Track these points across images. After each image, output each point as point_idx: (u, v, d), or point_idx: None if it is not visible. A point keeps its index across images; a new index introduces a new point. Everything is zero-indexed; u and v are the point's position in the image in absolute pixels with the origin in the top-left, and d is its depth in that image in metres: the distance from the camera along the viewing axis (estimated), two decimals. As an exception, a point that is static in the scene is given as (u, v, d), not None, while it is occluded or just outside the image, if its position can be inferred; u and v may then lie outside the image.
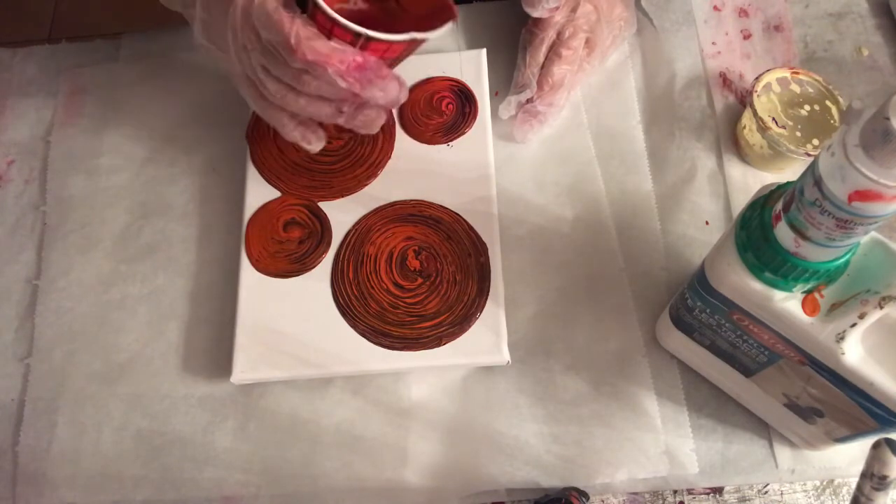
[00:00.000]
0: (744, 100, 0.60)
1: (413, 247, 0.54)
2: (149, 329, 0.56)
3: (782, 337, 0.39)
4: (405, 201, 0.56)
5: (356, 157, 0.58)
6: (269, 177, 0.57)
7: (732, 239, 0.38)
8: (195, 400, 0.53)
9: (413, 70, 0.60)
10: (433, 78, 0.60)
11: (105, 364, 0.55)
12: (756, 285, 0.37)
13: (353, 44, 0.41)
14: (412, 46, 0.44)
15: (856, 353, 0.36)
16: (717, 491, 0.50)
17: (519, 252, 0.56)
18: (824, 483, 0.50)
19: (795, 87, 0.54)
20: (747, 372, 0.46)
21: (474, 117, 0.58)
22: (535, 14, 0.56)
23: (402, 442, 0.51)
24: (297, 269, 0.54)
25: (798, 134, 0.53)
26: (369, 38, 0.40)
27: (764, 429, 0.50)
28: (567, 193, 0.57)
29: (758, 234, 0.36)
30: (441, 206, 0.55)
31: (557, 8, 0.55)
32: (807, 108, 0.54)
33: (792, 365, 0.41)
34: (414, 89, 0.60)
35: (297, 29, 0.39)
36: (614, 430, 0.50)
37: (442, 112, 0.59)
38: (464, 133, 0.58)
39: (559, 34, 0.57)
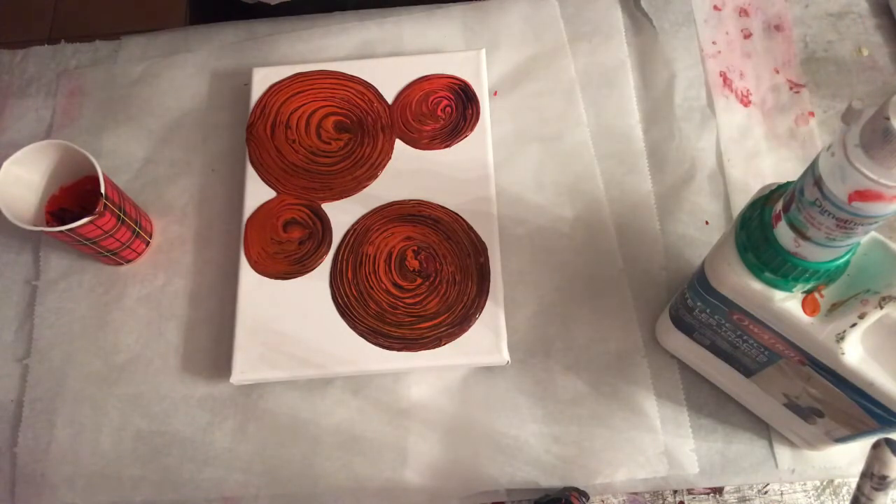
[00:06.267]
0: (745, 99, 0.60)
1: (412, 247, 0.54)
2: (148, 329, 0.56)
3: (782, 337, 0.39)
4: (404, 201, 0.56)
5: (356, 158, 0.57)
6: (268, 178, 0.57)
7: (732, 239, 0.38)
8: (195, 400, 0.53)
9: (410, 70, 0.60)
10: (430, 76, 0.60)
11: (104, 365, 0.55)
12: (756, 285, 0.37)
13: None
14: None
15: (856, 353, 0.36)
16: (717, 491, 0.50)
17: (518, 252, 0.55)
18: (824, 483, 0.50)
19: None
20: (747, 372, 0.46)
21: (477, 119, 0.58)
22: None
23: (401, 442, 0.51)
24: (296, 271, 0.54)
25: None
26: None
27: (764, 429, 0.50)
28: (567, 193, 0.57)
29: (758, 234, 0.36)
30: (440, 205, 0.55)
31: None
32: None
33: (792, 365, 0.41)
34: (408, 88, 0.59)
35: None
36: (614, 430, 0.50)
37: (437, 116, 0.58)
38: (465, 136, 0.57)
39: None
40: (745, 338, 0.42)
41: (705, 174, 0.58)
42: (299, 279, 0.54)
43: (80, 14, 1.55)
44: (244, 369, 0.51)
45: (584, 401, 0.51)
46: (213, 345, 0.55)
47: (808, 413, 0.44)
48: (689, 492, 0.50)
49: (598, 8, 0.64)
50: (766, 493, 0.50)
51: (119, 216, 0.53)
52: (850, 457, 0.49)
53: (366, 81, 0.60)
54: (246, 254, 0.54)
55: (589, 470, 0.50)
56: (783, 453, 0.49)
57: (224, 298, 0.56)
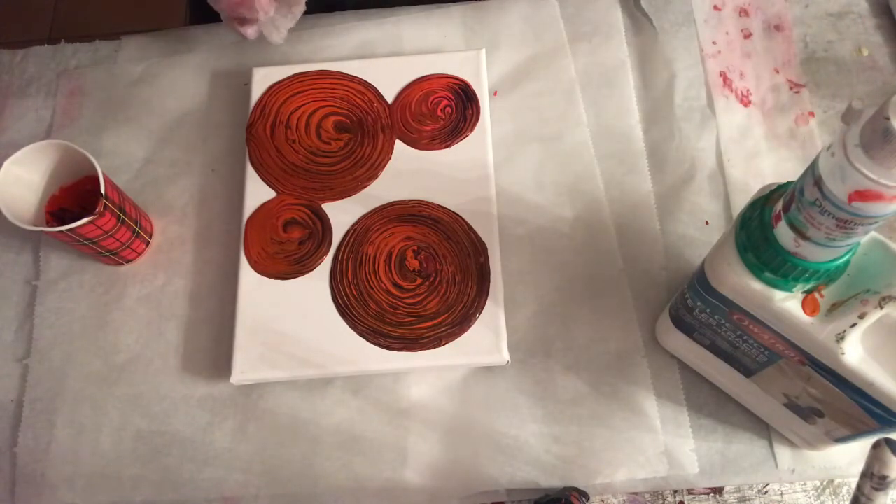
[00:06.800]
0: (744, 99, 0.60)
1: (412, 247, 0.54)
2: (148, 330, 0.56)
3: (782, 337, 0.39)
4: (404, 201, 0.56)
5: (356, 158, 0.57)
6: (268, 178, 0.57)
7: (732, 239, 0.38)
8: (195, 400, 0.53)
9: (410, 70, 0.60)
10: (430, 76, 0.60)
11: (104, 365, 0.55)
12: (756, 285, 0.37)
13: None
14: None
15: (856, 353, 0.36)
16: (717, 491, 0.50)
17: (519, 252, 0.55)
18: (824, 483, 0.50)
19: None
20: (747, 372, 0.46)
21: (477, 119, 0.58)
22: None
23: (401, 442, 0.51)
24: (296, 271, 0.54)
25: None
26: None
27: (764, 429, 0.50)
28: (567, 193, 0.57)
29: (758, 234, 0.36)
30: (440, 205, 0.55)
31: None
32: None
33: (792, 365, 0.41)
34: (408, 88, 0.59)
35: None
36: (614, 430, 0.50)
37: (437, 116, 0.58)
38: (465, 136, 0.57)
39: None
40: (745, 338, 0.42)
41: (705, 174, 0.58)
42: (299, 279, 0.54)
43: (80, 14, 1.55)
44: (244, 369, 0.51)
45: (584, 401, 0.51)
46: (213, 345, 0.55)
47: (808, 413, 0.44)
48: (689, 492, 0.50)
49: (598, 8, 0.64)
50: (766, 493, 0.50)
51: (119, 216, 0.53)
52: (850, 457, 0.49)
53: (366, 81, 0.60)
54: (246, 254, 0.54)
55: (589, 470, 0.50)
56: (783, 453, 0.49)
57: (224, 298, 0.56)
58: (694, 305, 0.44)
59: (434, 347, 0.51)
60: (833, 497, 0.49)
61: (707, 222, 0.56)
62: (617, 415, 0.51)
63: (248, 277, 0.54)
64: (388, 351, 0.51)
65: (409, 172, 0.57)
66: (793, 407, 0.45)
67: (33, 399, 0.54)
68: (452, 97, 0.59)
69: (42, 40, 0.68)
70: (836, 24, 0.63)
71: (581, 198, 0.57)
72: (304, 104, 0.59)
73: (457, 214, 0.55)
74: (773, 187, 0.38)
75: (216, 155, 0.61)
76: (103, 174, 0.51)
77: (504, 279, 0.53)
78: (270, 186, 0.57)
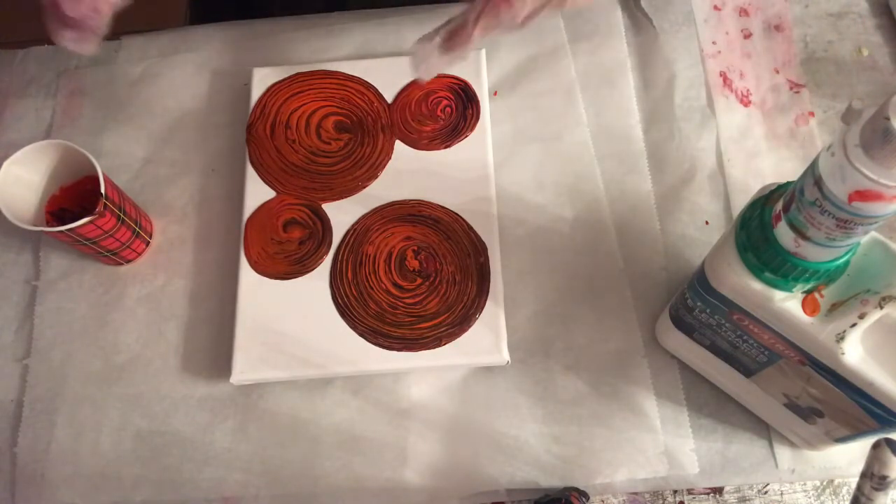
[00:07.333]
0: (744, 99, 0.60)
1: (412, 247, 0.54)
2: (148, 330, 0.56)
3: (782, 337, 0.39)
4: (404, 201, 0.56)
5: (356, 158, 0.57)
6: (268, 178, 0.57)
7: (732, 239, 0.38)
8: (195, 400, 0.53)
9: (408, 69, 0.60)
10: (431, 76, 0.60)
11: (104, 365, 0.55)
12: (756, 285, 0.37)
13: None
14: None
15: (856, 353, 0.36)
16: (717, 491, 0.50)
17: (519, 252, 0.55)
18: (824, 483, 0.50)
19: None
20: (747, 372, 0.46)
21: (477, 119, 0.58)
22: None
23: (401, 442, 0.51)
24: (296, 271, 0.54)
25: None
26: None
27: (764, 429, 0.50)
28: (567, 193, 0.57)
29: (758, 234, 0.36)
30: (440, 205, 0.55)
31: None
32: None
33: (792, 365, 0.41)
34: (408, 88, 0.59)
35: None
36: (614, 430, 0.50)
37: (437, 117, 0.58)
38: (465, 136, 0.57)
39: None
40: (745, 338, 0.42)
41: (705, 174, 0.58)
42: (299, 279, 0.54)
43: (80, 14, 1.55)
44: (244, 369, 0.51)
45: (584, 401, 0.51)
46: (213, 345, 0.55)
47: (808, 413, 0.44)
48: (689, 492, 0.50)
49: (598, 8, 0.64)
50: (766, 493, 0.50)
51: (119, 216, 0.53)
52: (850, 457, 0.49)
53: (366, 81, 0.60)
54: (246, 254, 0.54)
55: (589, 470, 0.50)
56: (783, 453, 0.49)
57: (224, 298, 0.56)
58: (694, 305, 0.44)
59: (434, 347, 0.51)
60: (833, 497, 0.49)
61: (707, 222, 0.56)
62: (617, 415, 0.51)
63: (248, 277, 0.54)
64: (388, 351, 0.51)
65: (409, 172, 0.57)
66: (793, 407, 0.45)
67: (33, 399, 0.54)
68: (452, 97, 0.59)
69: (42, 40, 0.68)
70: (836, 24, 0.63)
71: (581, 198, 0.57)
72: (304, 104, 0.59)
73: (457, 214, 0.55)
74: (773, 187, 0.38)
75: (216, 155, 0.61)
76: (103, 174, 0.51)
77: (504, 279, 0.53)
78: (270, 186, 0.57)
